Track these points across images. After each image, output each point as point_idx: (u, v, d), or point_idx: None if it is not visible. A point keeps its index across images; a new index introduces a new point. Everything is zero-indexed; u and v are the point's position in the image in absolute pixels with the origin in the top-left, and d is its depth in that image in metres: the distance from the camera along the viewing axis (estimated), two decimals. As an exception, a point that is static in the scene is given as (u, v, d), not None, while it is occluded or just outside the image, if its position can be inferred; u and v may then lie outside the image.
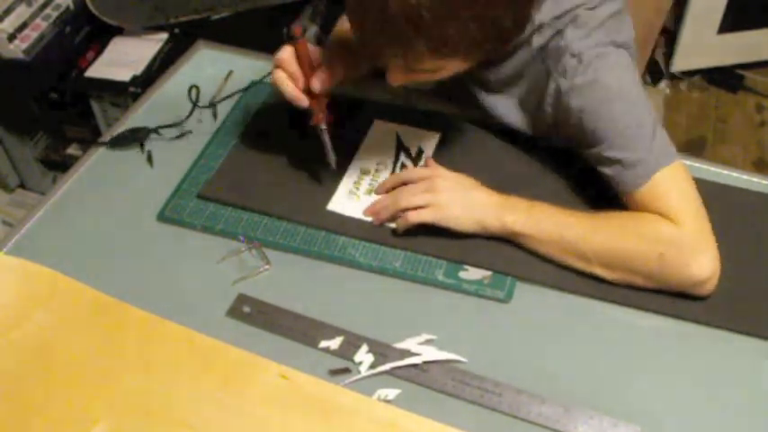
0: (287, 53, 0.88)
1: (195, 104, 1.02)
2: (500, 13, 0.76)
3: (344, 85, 0.93)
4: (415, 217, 0.88)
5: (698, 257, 0.81)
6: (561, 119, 0.90)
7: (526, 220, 0.86)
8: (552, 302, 0.86)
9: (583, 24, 0.85)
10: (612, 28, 0.87)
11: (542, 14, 0.88)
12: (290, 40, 0.88)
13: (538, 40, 0.89)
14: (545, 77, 0.90)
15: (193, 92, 1.02)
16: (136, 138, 1.06)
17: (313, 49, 0.90)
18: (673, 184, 0.84)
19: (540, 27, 0.89)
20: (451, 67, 0.84)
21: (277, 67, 0.89)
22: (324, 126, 0.93)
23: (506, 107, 0.98)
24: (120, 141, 1.06)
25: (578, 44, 0.85)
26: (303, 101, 0.90)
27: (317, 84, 0.88)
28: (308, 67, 0.89)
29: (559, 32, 0.87)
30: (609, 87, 0.85)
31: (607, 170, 0.86)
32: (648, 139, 0.84)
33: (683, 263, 0.81)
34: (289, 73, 0.89)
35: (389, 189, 0.95)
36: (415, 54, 0.77)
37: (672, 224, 0.82)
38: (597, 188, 0.96)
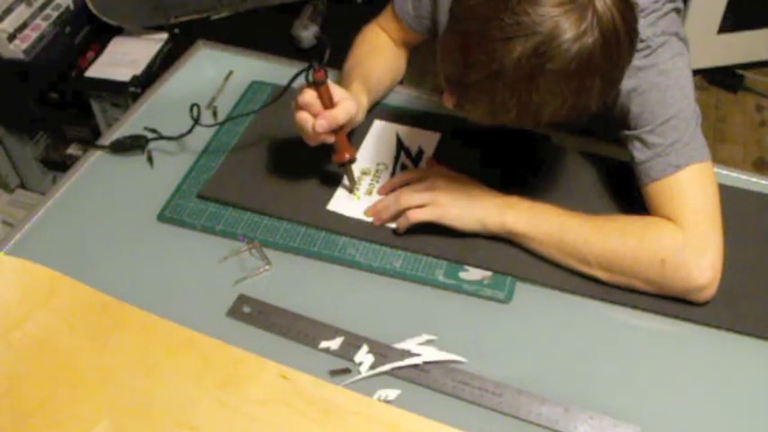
0: (310, 96, 0.88)
1: (196, 122, 1.02)
2: (593, 101, 0.75)
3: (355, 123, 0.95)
4: (415, 215, 0.88)
5: (700, 266, 0.81)
6: (610, 97, 0.88)
7: (527, 221, 0.86)
8: (552, 302, 0.86)
9: (649, 13, 0.85)
10: (675, 21, 0.87)
11: None
12: (313, 83, 0.87)
13: None
14: None
15: (195, 110, 1.02)
16: (136, 145, 1.06)
17: (332, 87, 0.90)
18: (697, 184, 0.84)
19: None
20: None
21: (300, 108, 0.89)
22: (347, 162, 0.94)
23: None
24: (120, 147, 1.06)
25: (645, 31, 0.84)
26: (328, 139, 0.90)
27: (341, 116, 0.88)
28: (330, 108, 0.89)
29: None
30: (667, 73, 0.85)
31: (640, 154, 0.86)
32: (691, 131, 0.84)
33: (684, 271, 0.81)
34: (313, 114, 0.88)
35: (391, 190, 0.95)
36: (502, 114, 0.76)
37: (676, 229, 0.82)
38: (603, 190, 0.96)
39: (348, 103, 0.90)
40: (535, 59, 0.69)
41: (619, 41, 0.71)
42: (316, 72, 0.86)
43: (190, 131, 1.03)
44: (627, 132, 0.87)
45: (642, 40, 0.83)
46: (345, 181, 0.97)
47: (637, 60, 0.83)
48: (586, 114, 0.77)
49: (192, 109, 1.02)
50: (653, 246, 0.82)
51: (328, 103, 0.88)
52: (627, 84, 0.85)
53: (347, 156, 0.93)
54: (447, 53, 0.76)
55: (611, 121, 0.90)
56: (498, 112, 0.75)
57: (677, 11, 0.88)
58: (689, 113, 0.85)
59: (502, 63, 0.70)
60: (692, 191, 0.84)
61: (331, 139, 0.91)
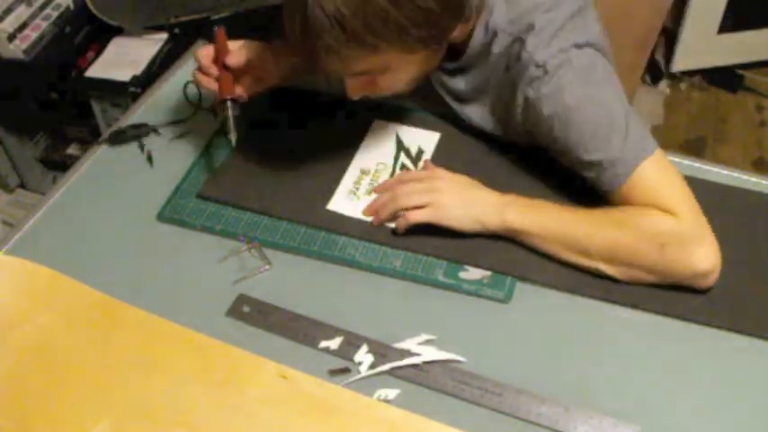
0: (206, 52, 0.95)
1: (198, 106, 1.03)
2: (420, 35, 0.79)
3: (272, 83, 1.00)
4: (414, 216, 0.88)
5: (699, 248, 0.81)
6: (533, 128, 0.90)
7: (526, 217, 0.86)
8: (552, 302, 0.86)
9: (541, 31, 0.85)
10: (573, 29, 0.86)
11: (496, 18, 0.89)
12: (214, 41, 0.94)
13: (497, 47, 0.90)
14: (511, 87, 0.90)
15: (190, 87, 1.04)
16: (136, 134, 1.06)
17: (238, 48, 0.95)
18: (658, 175, 0.84)
19: (496, 34, 0.89)
20: (399, 66, 0.85)
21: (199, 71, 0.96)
22: (229, 100, 0.94)
23: (481, 117, 0.99)
24: (120, 137, 1.06)
25: (541, 54, 0.84)
26: (211, 83, 0.95)
27: (232, 60, 0.94)
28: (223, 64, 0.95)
29: (519, 40, 0.87)
30: (574, 94, 0.84)
31: (587, 173, 0.87)
32: (622, 135, 0.84)
33: (685, 254, 0.81)
34: (205, 68, 0.95)
35: (386, 189, 0.95)
36: (347, 52, 0.79)
37: (670, 216, 0.82)
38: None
39: (243, 50, 0.94)
40: None
41: None
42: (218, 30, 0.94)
43: (194, 114, 1.04)
44: (564, 158, 0.89)
45: (539, 66, 0.84)
46: (343, 186, 0.96)
47: (543, 89, 0.85)
48: (436, 21, 0.80)
49: (186, 86, 1.05)
50: (651, 232, 0.82)
51: (222, 57, 0.94)
52: (544, 112, 0.86)
53: (226, 94, 0.94)
54: (290, 37, 0.81)
55: (548, 148, 0.91)
56: (345, 55, 0.80)
57: (579, 11, 0.87)
58: (614, 117, 0.84)
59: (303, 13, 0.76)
60: (657, 185, 0.84)
61: (212, 86, 0.95)
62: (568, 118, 0.85)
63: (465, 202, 0.89)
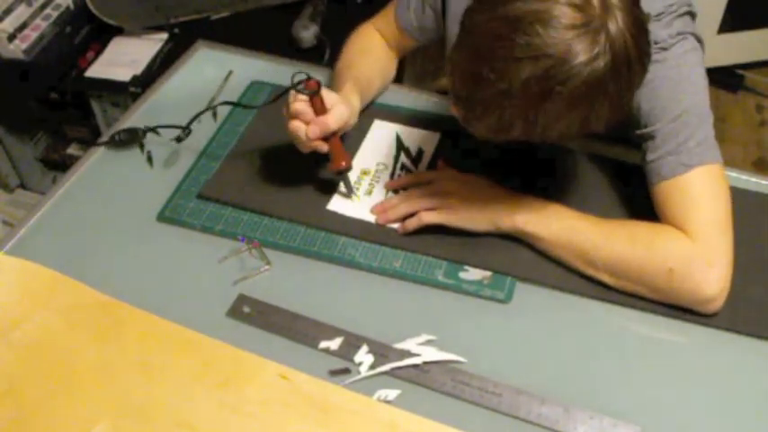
0: (302, 104, 0.87)
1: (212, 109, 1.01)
2: (600, 123, 0.75)
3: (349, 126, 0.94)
4: (428, 217, 0.89)
5: (708, 278, 0.79)
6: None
7: (537, 222, 0.86)
8: (552, 303, 0.86)
9: (664, 17, 0.83)
10: (690, 23, 0.86)
11: None
12: (307, 92, 0.86)
13: None
14: None
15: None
16: (136, 134, 1.06)
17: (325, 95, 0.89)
18: (708, 187, 0.82)
19: None
20: None
21: (293, 118, 0.88)
22: (343, 170, 0.93)
23: None
24: (120, 138, 1.06)
25: (661, 33, 0.82)
26: (322, 147, 0.90)
27: (332, 123, 0.87)
28: (323, 114, 0.88)
29: None
30: (678, 67, 0.83)
31: (650, 152, 0.85)
32: (702, 130, 0.83)
33: (691, 282, 0.80)
34: (305, 122, 0.87)
35: (399, 187, 0.96)
36: (507, 132, 0.75)
37: (686, 239, 0.81)
38: (607, 191, 0.96)
39: (340, 108, 0.89)
40: (545, 82, 0.69)
41: (630, 65, 0.71)
42: (308, 82, 0.86)
43: (188, 130, 1.02)
44: (638, 131, 0.86)
45: (657, 42, 0.81)
46: (342, 188, 0.97)
47: (656, 55, 0.81)
48: (592, 133, 0.77)
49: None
50: (661, 254, 0.81)
51: (321, 109, 0.88)
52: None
53: (343, 164, 0.92)
54: (456, 68, 0.75)
55: (623, 120, 0.89)
56: (504, 129, 0.75)
57: (691, 15, 0.87)
58: (702, 110, 0.84)
59: (511, 83, 0.69)
60: (702, 195, 0.82)
61: (324, 148, 0.90)
62: (661, 89, 0.82)
63: (477, 203, 0.89)
